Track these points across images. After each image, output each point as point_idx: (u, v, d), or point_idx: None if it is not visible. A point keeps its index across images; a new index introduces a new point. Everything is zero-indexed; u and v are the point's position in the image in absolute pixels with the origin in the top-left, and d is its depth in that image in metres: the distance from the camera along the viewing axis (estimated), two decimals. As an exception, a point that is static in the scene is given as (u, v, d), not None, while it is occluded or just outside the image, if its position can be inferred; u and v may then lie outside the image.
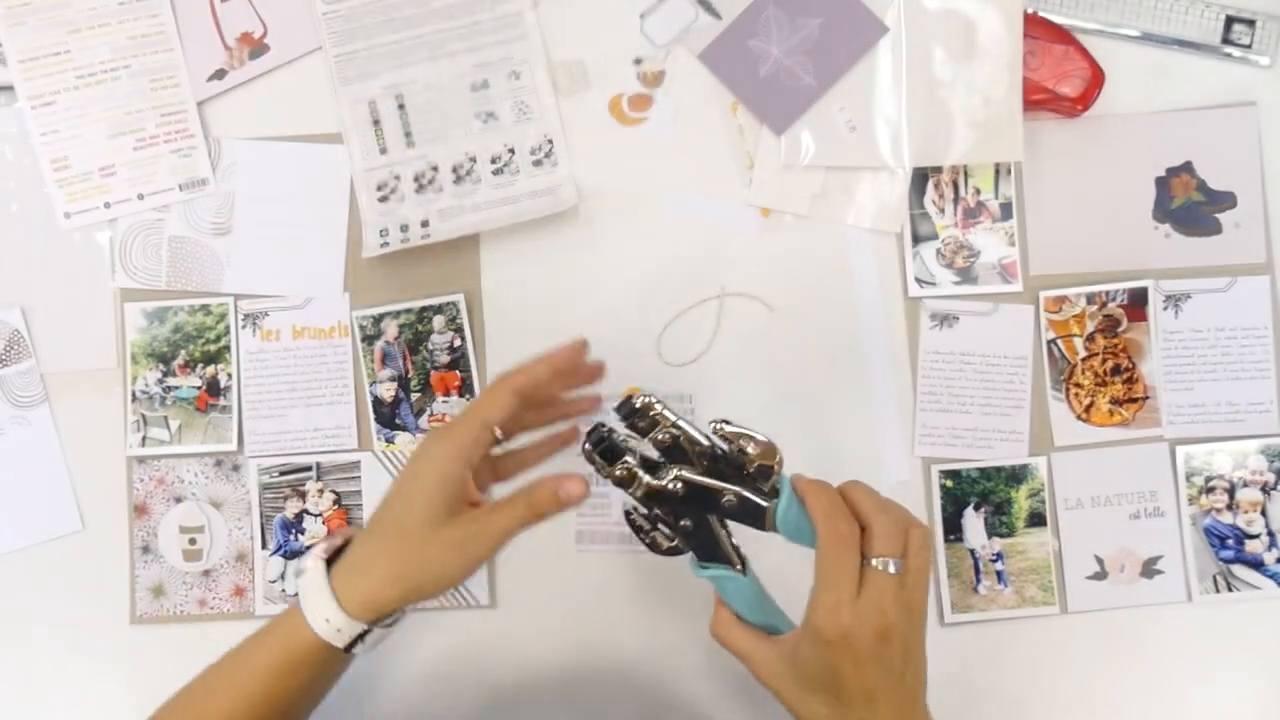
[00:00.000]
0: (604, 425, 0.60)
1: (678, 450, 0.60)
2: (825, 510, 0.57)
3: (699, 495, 0.59)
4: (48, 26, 0.76)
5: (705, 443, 0.60)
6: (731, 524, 0.61)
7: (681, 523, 0.60)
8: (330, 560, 0.59)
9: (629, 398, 0.60)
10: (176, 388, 0.77)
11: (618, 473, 0.60)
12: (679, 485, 0.59)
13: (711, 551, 0.61)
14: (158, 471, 0.77)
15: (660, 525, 0.61)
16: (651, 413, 0.59)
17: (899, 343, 0.78)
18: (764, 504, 0.59)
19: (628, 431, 0.60)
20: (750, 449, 0.59)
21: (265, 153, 0.78)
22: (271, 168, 0.78)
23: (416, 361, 0.77)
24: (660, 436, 0.59)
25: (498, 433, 0.60)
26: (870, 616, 0.54)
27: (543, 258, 0.78)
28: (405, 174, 0.78)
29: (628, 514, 0.62)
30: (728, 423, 0.59)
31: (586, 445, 0.60)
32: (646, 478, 0.59)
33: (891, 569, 0.55)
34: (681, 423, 0.60)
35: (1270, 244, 0.78)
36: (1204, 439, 0.78)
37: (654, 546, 0.62)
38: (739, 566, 0.61)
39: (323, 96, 0.78)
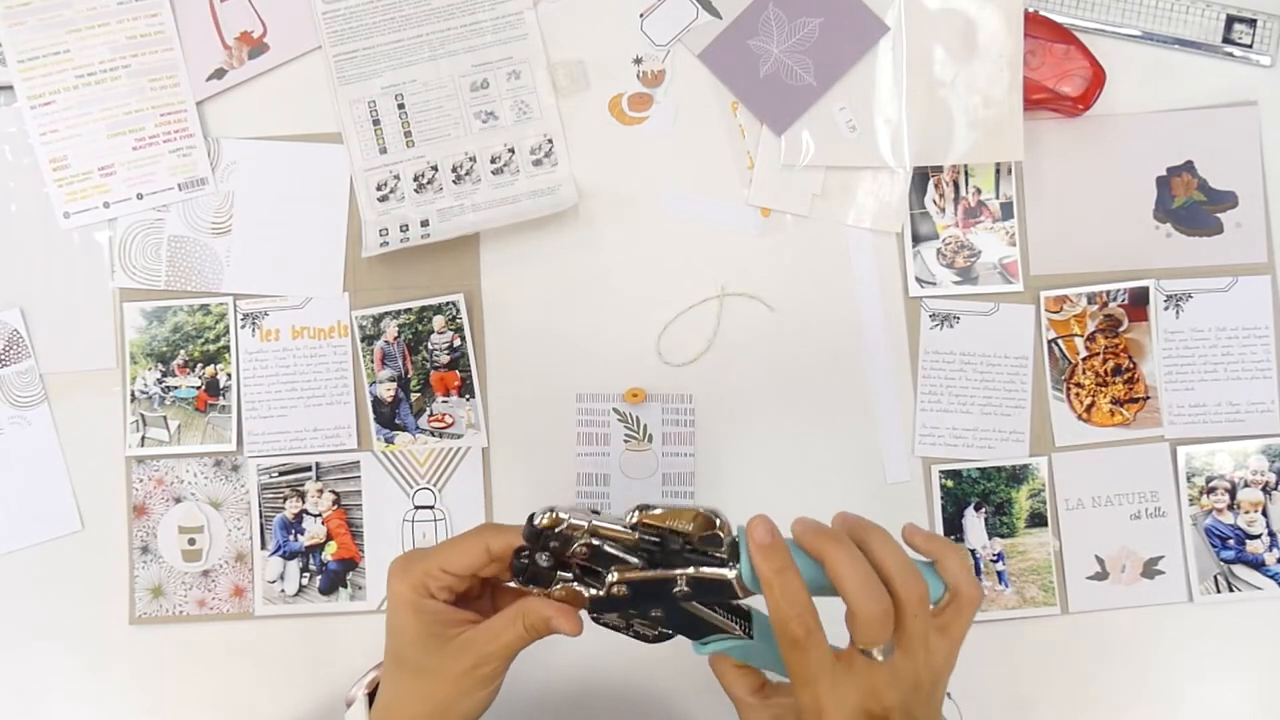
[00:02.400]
0: (523, 551, 0.54)
1: (605, 557, 0.54)
2: (776, 605, 0.50)
3: (653, 588, 0.53)
4: (47, 26, 0.76)
5: (633, 536, 0.54)
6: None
7: (653, 614, 0.54)
8: (374, 692, 0.59)
9: (530, 519, 0.54)
10: (176, 388, 0.77)
11: (559, 594, 0.54)
12: (623, 589, 0.53)
13: (700, 626, 0.54)
14: (157, 471, 0.77)
15: (635, 621, 0.55)
16: (559, 529, 0.53)
17: (899, 343, 0.78)
18: (727, 573, 0.52)
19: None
20: (681, 526, 0.53)
21: (264, 152, 0.78)
22: (271, 167, 0.78)
23: (416, 361, 0.77)
24: (578, 550, 0.53)
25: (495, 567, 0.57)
26: (858, 706, 0.50)
27: (543, 258, 0.78)
28: (405, 174, 0.78)
29: (595, 619, 0.55)
30: (648, 508, 0.53)
31: (513, 582, 0.55)
32: (589, 592, 0.54)
33: (878, 656, 0.50)
34: (599, 525, 0.53)
35: (1271, 243, 0.78)
36: (1205, 439, 0.78)
37: (643, 638, 0.55)
38: (739, 629, 0.55)
39: (322, 96, 0.78)
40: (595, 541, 0.53)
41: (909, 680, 0.51)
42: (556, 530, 0.53)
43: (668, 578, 0.53)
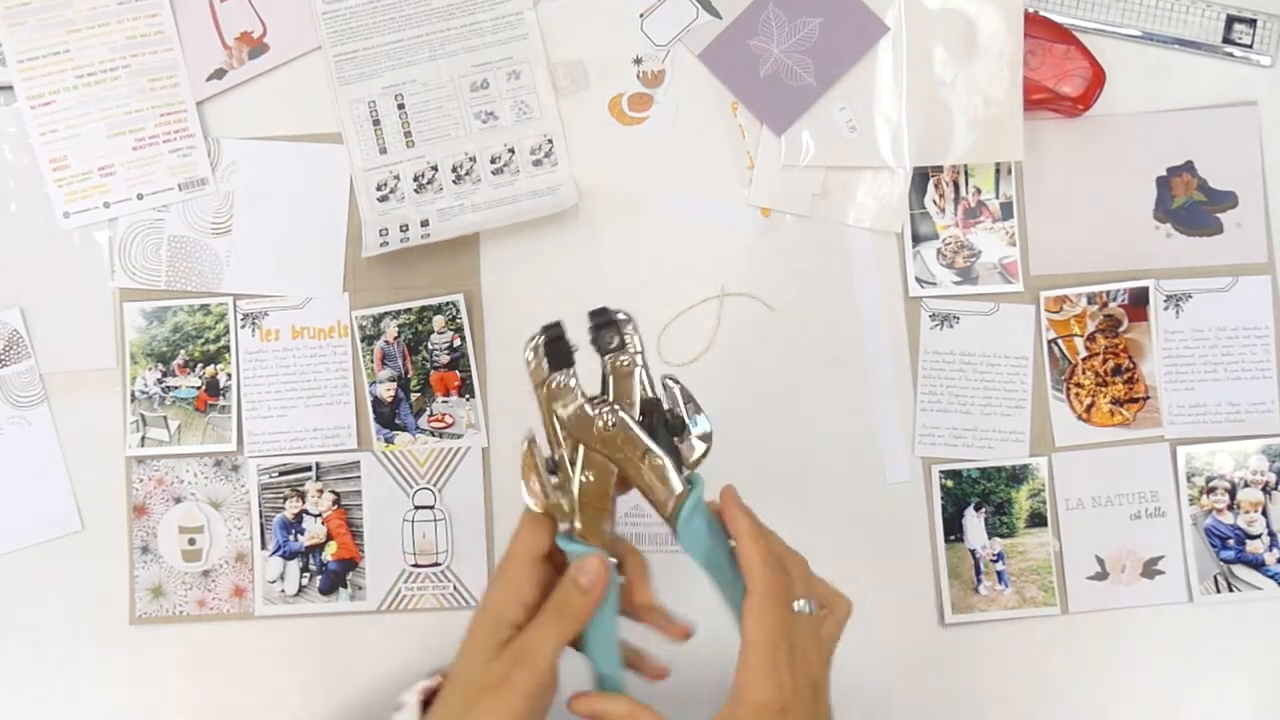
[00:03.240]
0: (561, 324, 0.55)
1: (621, 385, 0.55)
2: (763, 556, 0.52)
3: (624, 438, 0.54)
4: (47, 26, 0.76)
5: (650, 393, 0.56)
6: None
7: (583, 475, 0.55)
8: (427, 701, 0.58)
9: (604, 307, 0.56)
10: (176, 388, 0.77)
11: (556, 381, 0.54)
12: (611, 417, 0.54)
13: (589, 522, 0.55)
14: (157, 472, 0.77)
15: (552, 474, 0.55)
16: (623, 333, 0.55)
17: (899, 343, 0.78)
18: (675, 485, 0.54)
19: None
20: (691, 413, 0.55)
21: (265, 152, 0.78)
22: (271, 168, 0.78)
23: (416, 361, 0.77)
24: (620, 361, 0.55)
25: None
26: (804, 672, 0.51)
27: (543, 258, 0.78)
28: (405, 174, 0.78)
29: (530, 441, 0.56)
30: (678, 381, 0.56)
31: (539, 337, 0.55)
32: (583, 399, 0.54)
33: (808, 610, 0.53)
34: (641, 358, 0.56)
35: (1271, 243, 0.78)
36: (1205, 439, 0.78)
37: (530, 489, 0.55)
38: (606, 558, 0.55)
39: (322, 96, 0.78)
40: (634, 364, 0.55)
41: (825, 646, 0.55)
42: (621, 334, 0.55)
43: (642, 445, 0.55)
